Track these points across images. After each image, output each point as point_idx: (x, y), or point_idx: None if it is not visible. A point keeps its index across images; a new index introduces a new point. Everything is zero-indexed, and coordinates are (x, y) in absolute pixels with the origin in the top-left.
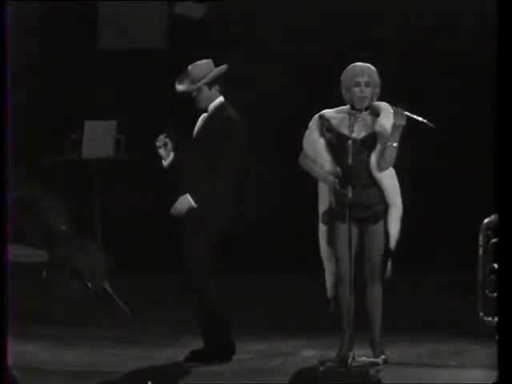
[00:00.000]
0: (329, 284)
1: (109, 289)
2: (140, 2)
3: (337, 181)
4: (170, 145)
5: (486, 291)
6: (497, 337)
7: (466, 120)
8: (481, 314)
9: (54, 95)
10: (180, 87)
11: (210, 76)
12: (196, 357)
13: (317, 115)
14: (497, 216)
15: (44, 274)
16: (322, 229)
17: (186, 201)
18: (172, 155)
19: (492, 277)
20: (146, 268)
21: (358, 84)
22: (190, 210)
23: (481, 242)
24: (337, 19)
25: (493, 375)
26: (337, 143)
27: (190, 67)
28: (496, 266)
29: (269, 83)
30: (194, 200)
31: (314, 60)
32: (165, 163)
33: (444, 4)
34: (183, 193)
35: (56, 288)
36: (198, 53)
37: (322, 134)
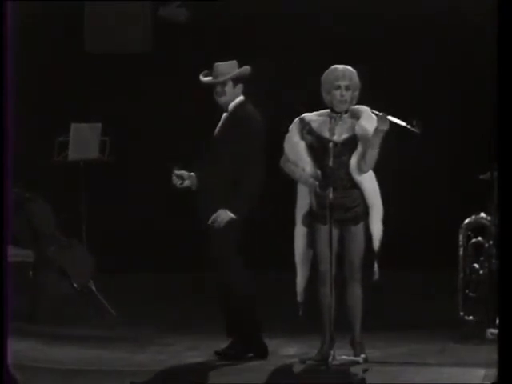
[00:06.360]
0: (299, 288)
1: (94, 288)
2: (125, 6)
3: (317, 183)
4: (185, 173)
5: (467, 291)
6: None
7: (447, 121)
8: (461, 313)
9: (41, 98)
10: (206, 79)
11: (237, 72)
12: (225, 355)
13: (297, 118)
14: (478, 216)
15: (30, 273)
16: (301, 230)
17: (226, 215)
18: (193, 175)
19: (473, 276)
20: (131, 268)
21: (338, 87)
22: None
23: (461, 243)
24: (337, 19)
25: (473, 373)
26: (317, 146)
27: (215, 64)
28: (476, 265)
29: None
30: (233, 212)
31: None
32: (193, 187)
33: (444, 3)
34: (211, 202)
35: (42, 287)
36: (183, 55)
37: (303, 137)
